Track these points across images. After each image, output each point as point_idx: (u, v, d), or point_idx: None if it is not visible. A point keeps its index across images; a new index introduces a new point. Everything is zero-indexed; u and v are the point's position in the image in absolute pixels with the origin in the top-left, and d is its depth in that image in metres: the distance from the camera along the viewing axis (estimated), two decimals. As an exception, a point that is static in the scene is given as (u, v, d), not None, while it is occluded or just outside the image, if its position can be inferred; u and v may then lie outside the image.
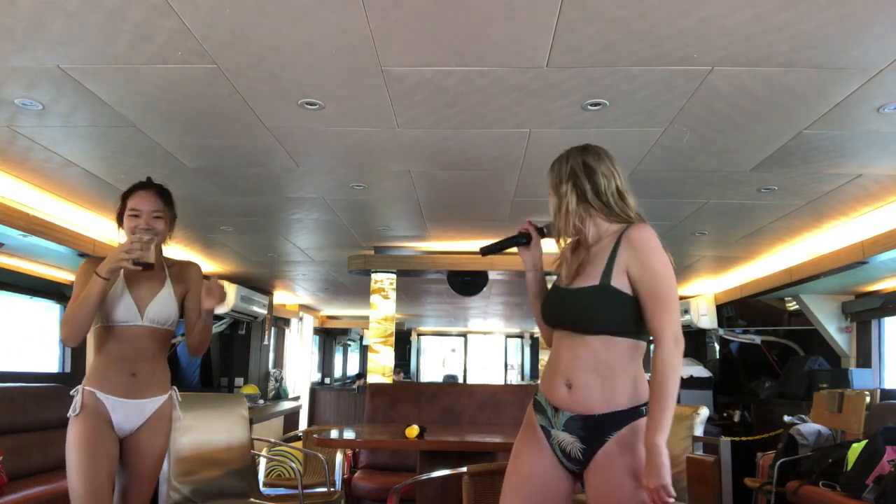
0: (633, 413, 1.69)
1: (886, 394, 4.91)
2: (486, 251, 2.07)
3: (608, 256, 1.77)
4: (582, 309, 1.75)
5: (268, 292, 8.27)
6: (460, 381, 14.06)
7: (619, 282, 1.73)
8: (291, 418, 8.31)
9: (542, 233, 2.03)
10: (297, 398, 9.13)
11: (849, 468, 4.00)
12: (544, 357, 5.91)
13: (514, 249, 2.09)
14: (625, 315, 1.72)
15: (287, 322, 9.59)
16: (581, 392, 1.70)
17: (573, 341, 1.76)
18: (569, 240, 1.92)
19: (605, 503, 1.69)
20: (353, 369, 14.77)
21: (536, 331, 10.07)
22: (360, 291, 8.10)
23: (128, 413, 2.30)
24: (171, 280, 2.44)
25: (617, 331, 1.72)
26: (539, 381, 1.85)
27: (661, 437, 1.61)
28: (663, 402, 1.63)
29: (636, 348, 1.75)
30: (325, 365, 12.57)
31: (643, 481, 1.62)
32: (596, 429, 1.68)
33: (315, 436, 3.88)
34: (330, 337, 12.78)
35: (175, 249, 5.77)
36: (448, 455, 3.18)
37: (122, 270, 2.27)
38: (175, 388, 2.48)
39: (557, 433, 1.74)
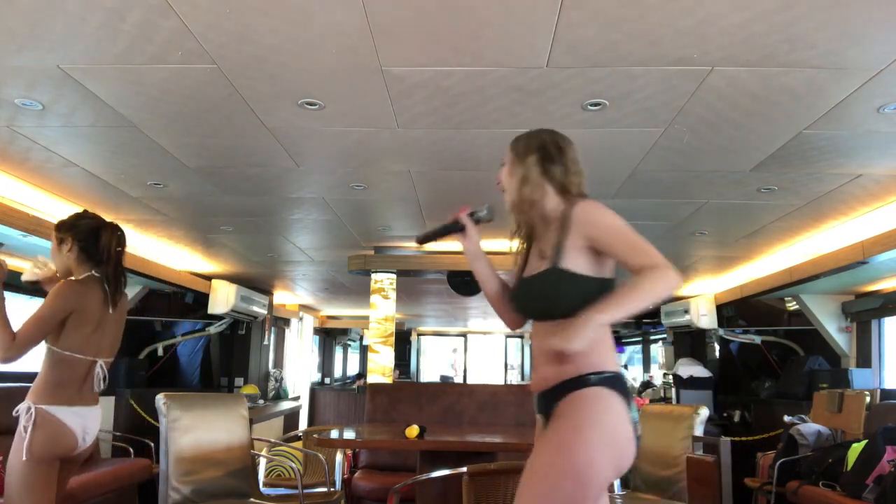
0: (579, 381, 1.64)
1: (886, 394, 4.92)
2: (421, 240, 2.05)
3: (556, 238, 1.74)
4: (536, 296, 1.77)
5: (268, 292, 8.27)
6: (457, 381, 14.03)
7: (573, 262, 1.68)
8: (291, 418, 8.30)
9: (479, 220, 2.05)
10: (297, 398, 9.12)
11: (849, 468, 4.00)
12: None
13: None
14: (583, 296, 1.65)
15: (287, 322, 9.59)
16: (540, 370, 1.74)
17: (539, 328, 1.78)
18: (521, 230, 1.92)
19: (528, 465, 1.66)
20: (353, 369, 14.76)
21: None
22: (360, 291, 8.10)
23: None
24: None
25: (573, 315, 1.60)
26: None
27: (601, 315, 1.55)
28: (628, 293, 1.57)
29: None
30: (325, 365, 12.56)
31: (554, 343, 1.56)
32: (549, 401, 1.71)
33: (315, 436, 3.87)
34: (330, 337, 12.77)
35: (176, 249, 5.78)
36: (448, 455, 3.17)
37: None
38: (29, 403, 2.57)
39: (539, 417, 1.79)
